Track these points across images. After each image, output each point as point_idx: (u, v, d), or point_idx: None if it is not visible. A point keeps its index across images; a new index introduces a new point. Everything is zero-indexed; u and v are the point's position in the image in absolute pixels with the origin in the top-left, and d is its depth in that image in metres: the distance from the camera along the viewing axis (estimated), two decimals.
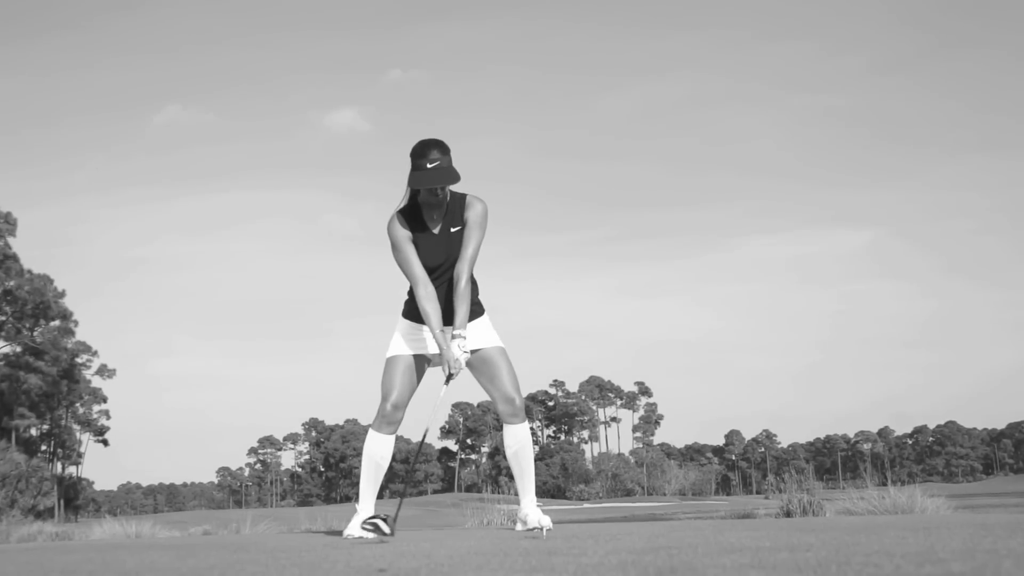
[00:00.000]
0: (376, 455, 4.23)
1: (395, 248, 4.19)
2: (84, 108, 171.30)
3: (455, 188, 4.24)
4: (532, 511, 4.24)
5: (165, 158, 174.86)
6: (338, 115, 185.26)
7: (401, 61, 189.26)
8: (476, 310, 4.31)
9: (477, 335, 4.27)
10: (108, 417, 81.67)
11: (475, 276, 4.30)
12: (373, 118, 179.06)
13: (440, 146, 4.06)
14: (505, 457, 4.47)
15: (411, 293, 4.30)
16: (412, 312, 4.30)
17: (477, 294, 4.33)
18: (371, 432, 4.24)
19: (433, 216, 4.21)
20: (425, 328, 4.26)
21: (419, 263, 4.17)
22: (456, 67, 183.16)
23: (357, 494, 4.33)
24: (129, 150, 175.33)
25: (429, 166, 4.02)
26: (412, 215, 4.23)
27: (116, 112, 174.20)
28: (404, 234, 4.18)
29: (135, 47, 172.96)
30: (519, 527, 4.40)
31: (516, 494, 4.43)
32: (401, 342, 4.29)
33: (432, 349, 4.26)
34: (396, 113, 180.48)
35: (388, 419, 4.20)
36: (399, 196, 4.32)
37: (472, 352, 4.26)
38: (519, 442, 4.33)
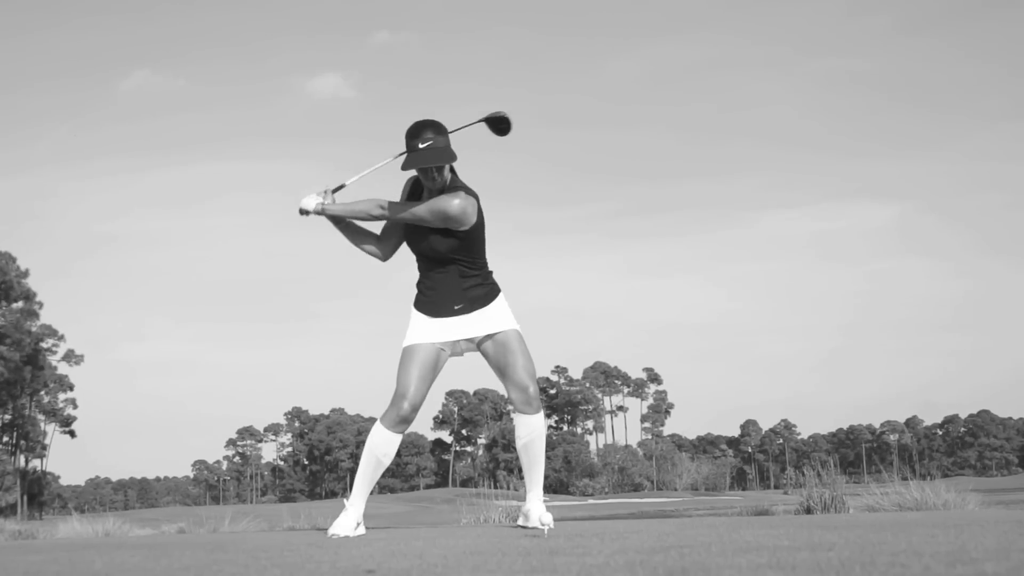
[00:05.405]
0: (380, 451, 4.23)
1: None
2: (47, 73, 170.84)
3: (462, 180, 4.27)
4: (536, 507, 4.27)
5: (135, 127, 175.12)
6: (321, 81, 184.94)
7: (389, 22, 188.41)
8: (491, 292, 4.33)
9: (492, 317, 4.30)
10: (75, 406, 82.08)
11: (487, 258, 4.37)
12: (359, 84, 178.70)
13: (435, 126, 4.11)
14: (515, 448, 4.49)
15: (420, 285, 4.34)
16: (424, 305, 4.31)
17: (488, 274, 4.36)
18: (379, 427, 4.22)
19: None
20: (440, 320, 4.27)
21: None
22: (449, 28, 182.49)
23: (345, 489, 4.34)
24: (97, 119, 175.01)
25: (422, 146, 4.06)
26: (413, 191, 4.35)
27: (81, 78, 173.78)
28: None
29: (100, 7, 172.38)
30: (520, 521, 4.43)
31: (517, 489, 4.44)
32: (418, 331, 4.28)
33: (449, 337, 4.27)
34: (384, 79, 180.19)
35: (403, 418, 4.21)
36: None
37: (487, 337, 4.29)
38: (531, 433, 4.36)
